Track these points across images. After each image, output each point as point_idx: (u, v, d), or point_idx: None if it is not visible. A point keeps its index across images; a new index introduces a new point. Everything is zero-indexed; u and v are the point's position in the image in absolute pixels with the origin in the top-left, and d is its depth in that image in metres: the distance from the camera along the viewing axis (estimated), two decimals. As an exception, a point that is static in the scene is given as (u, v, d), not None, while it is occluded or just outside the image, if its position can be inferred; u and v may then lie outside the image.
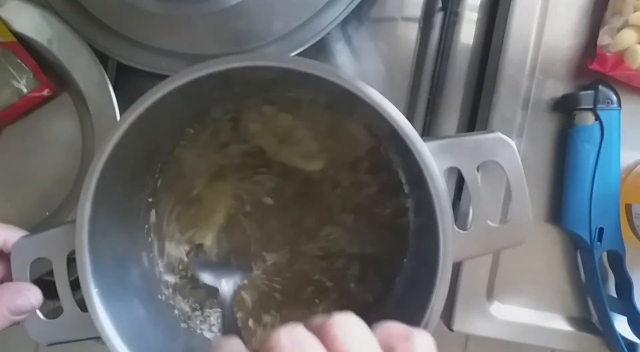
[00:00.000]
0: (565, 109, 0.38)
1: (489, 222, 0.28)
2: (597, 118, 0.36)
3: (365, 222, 0.35)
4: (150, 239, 0.35)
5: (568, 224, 0.38)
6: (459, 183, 0.41)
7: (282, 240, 0.36)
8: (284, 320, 0.35)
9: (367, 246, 0.35)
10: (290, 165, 0.35)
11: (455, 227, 0.26)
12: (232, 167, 0.36)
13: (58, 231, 0.30)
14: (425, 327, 0.26)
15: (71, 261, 0.29)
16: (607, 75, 0.36)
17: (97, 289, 0.28)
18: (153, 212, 0.35)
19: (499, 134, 0.28)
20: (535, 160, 0.39)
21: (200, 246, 0.36)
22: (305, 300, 0.36)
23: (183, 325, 0.34)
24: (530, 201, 0.28)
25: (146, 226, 0.34)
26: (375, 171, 0.34)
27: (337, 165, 0.35)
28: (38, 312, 0.30)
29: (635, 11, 0.35)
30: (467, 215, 0.38)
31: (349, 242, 0.36)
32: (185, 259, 0.36)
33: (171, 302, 0.35)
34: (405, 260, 0.33)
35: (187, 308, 0.35)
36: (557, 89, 0.39)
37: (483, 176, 0.38)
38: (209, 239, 0.36)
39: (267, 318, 0.36)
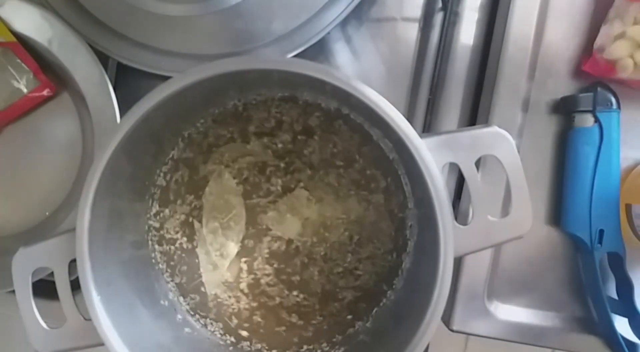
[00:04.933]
0: (564, 111, 0.38)
1: (489, 216, 0.28)
2: (597, 120, 0.36)
3: (365, 221, 0.35)
4: (152, 243, 0.35)
5: (568, 226, 0.38)
6: (459, 183, 0.41)
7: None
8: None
9: (355, 220, 0.35)
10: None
11: (456, 222, 0.26)
12: (239, 160, 0.36)
13: (58, 240, 0.30)
14: (428, 326, 0.26)
15: (72, 260, 0.29)
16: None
17: (99, 297, 0.28)
18: (155, 215, 0.35)
19: (496, 128, 0.28)
20: (535, 161, 0.39)
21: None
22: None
23: (187, 330, 0.34)
24: (529, 194, 0.28)
25: (149, 230, 0.34)
26: (375, 169, 0.34)
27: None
28: (41, 321, 0.30)
29: (634, 24, 0.34)
30: (467, 213, 0.38)
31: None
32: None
33: (174, 307, 0.35)
34: (406, 258, 0.33)
35: (190, 313, 0.35)
36: (556, 90, 0.39)
37: (483, 172, 0.38)
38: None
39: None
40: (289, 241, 0.36)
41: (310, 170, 0.35)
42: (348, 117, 0.32)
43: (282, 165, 0.35)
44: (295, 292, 0.36)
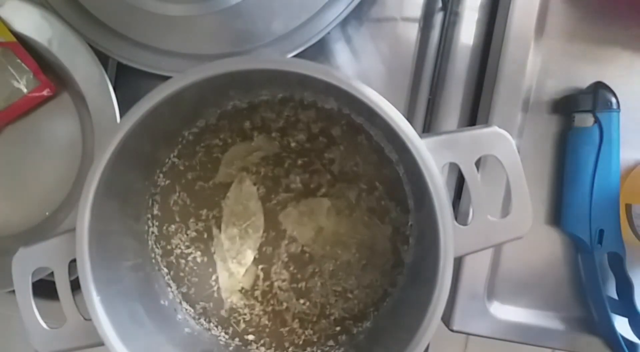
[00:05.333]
0: (564, 111, 0.38)
1: (489, 216, 0.28)
2: (597, 120, 0.36)
3: (364, 221, 0.35)
4: (152, 243, 0.35)
5: (568, 226, 0.38)
6: (459, 183, 0.41)
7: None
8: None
9: (366, 244, 0.35)
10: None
11: (456, 222, 0.26)
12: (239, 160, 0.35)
13: (58, 240, 0.30)
14: (428, 326, 0.26)
15: (72, 260, 0.29)
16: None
17: (99, 297, 0.28)
18: (155, 215, 0.35)
19: (496, 128, 0.28)
20: (535, 161, 0.39)
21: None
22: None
23: (187, 330, 0.34)
24: (529, 194, 0.28)
25: (149, 230, 0.34)
26: (389, 200, 0.34)
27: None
28: (41, 321, 0.30)
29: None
30: (467, 213, 0.38)
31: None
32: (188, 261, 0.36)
33: (174, 307, 0.35)
34: (405, 259, 0.33)
35: (190, 313, 0.35)
36: (556, 90, 0.39)
37: (483, 173, 0.38)
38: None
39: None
40: (303, 246, 0.36)
41: (330, 176, 0.35)
42: (369, 134, 0.32)
43: (300, 162, 0.35)
44: (302, 300, 0.36)
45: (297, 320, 0.35)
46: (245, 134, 0.35)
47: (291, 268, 0.36)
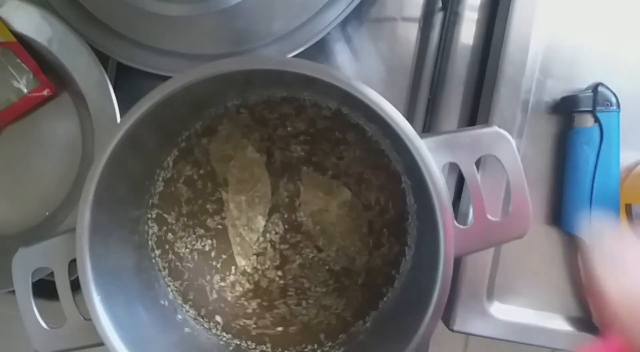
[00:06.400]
0: (564, 111, 0.38)
1: (489, 216, 0.28)
2: (597, 120, 0.36)
3: (361, 233, 0.35)
4: (152, 243, 0.35)
5: (568, 226, 0.38)
6: (459, 183, 0.41)
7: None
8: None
9: (348, 255, 0.35)
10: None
11: (456, 222, 0.27)
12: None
13: (58, 240, 0.30)
14: (428, 327, 0.26)
15: (72, 260, 0.29)
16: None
17: (99, 297, 0.28)
18: (155, 216, 0.35)
19: (496, 128, 0.28)
20: (535, 161, 0.39)
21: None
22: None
23: (187, 330, 0.34)
24: (529, 194, 0.28)
25: (149, 231, 0.34)
26: (391, 235, 0.34)
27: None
28: (41, 321, 0.30)
29: None
30: (467, 214, 0.38)
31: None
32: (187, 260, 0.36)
33: (174, 307, 0.35)
34: (405, 258, 0.33)
35: (190, 312, 0.35)
36: (556, 89, 0.39)
37: (483, 172, 0.38)
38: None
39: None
40: (300, 208, 0.36)
41: (336, 160, 0.35)
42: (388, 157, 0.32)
43: (302, 138, 0.35)
44: (279, 272, 0.36)
45: (258, 299, 0.35)
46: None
47: (286, 216, 0.36)
